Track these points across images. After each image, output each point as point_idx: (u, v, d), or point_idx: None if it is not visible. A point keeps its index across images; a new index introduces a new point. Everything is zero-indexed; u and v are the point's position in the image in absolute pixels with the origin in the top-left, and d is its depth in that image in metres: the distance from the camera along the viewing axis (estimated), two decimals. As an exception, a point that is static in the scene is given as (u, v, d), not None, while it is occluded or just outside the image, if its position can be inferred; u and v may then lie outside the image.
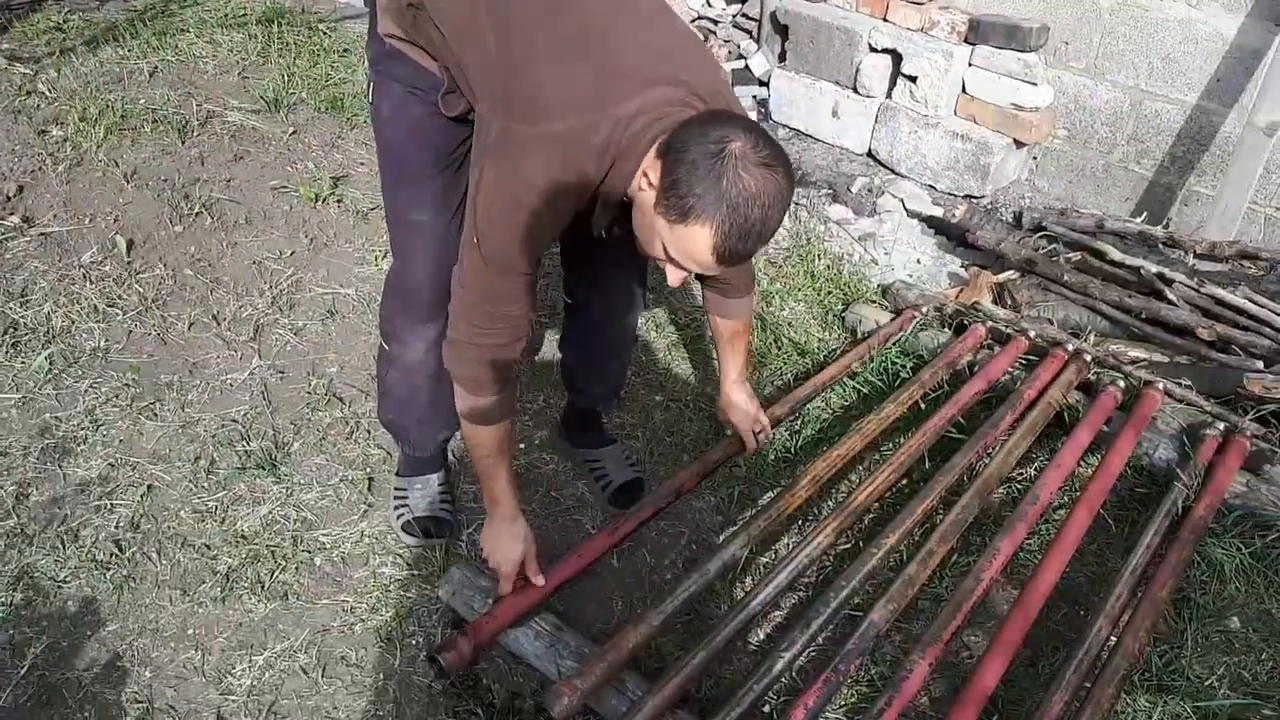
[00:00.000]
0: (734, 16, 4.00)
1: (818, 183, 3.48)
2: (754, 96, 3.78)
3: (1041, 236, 2.90)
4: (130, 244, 2.86)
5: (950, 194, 3.32)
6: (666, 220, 1.37)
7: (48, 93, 3.44)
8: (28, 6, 4.24)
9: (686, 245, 1.38)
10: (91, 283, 2.75)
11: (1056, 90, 3.22)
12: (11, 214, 2.86)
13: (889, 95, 3.44)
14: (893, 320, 2.76)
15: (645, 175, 1.41)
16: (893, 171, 3.46)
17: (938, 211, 3.24)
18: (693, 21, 4.05)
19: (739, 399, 2.06)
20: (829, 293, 3.05)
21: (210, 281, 2.85)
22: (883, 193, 3.36)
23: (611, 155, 1.43)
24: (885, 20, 3.40)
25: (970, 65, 3.24)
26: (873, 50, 3.40)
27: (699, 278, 1.67)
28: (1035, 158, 3.39)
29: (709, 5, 4.07)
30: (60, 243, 2.82)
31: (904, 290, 2.88)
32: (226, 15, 4.24)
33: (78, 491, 2.19)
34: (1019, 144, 3.26)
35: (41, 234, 2.82)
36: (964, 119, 3.31)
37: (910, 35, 3.31)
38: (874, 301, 2.97)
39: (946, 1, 3.33)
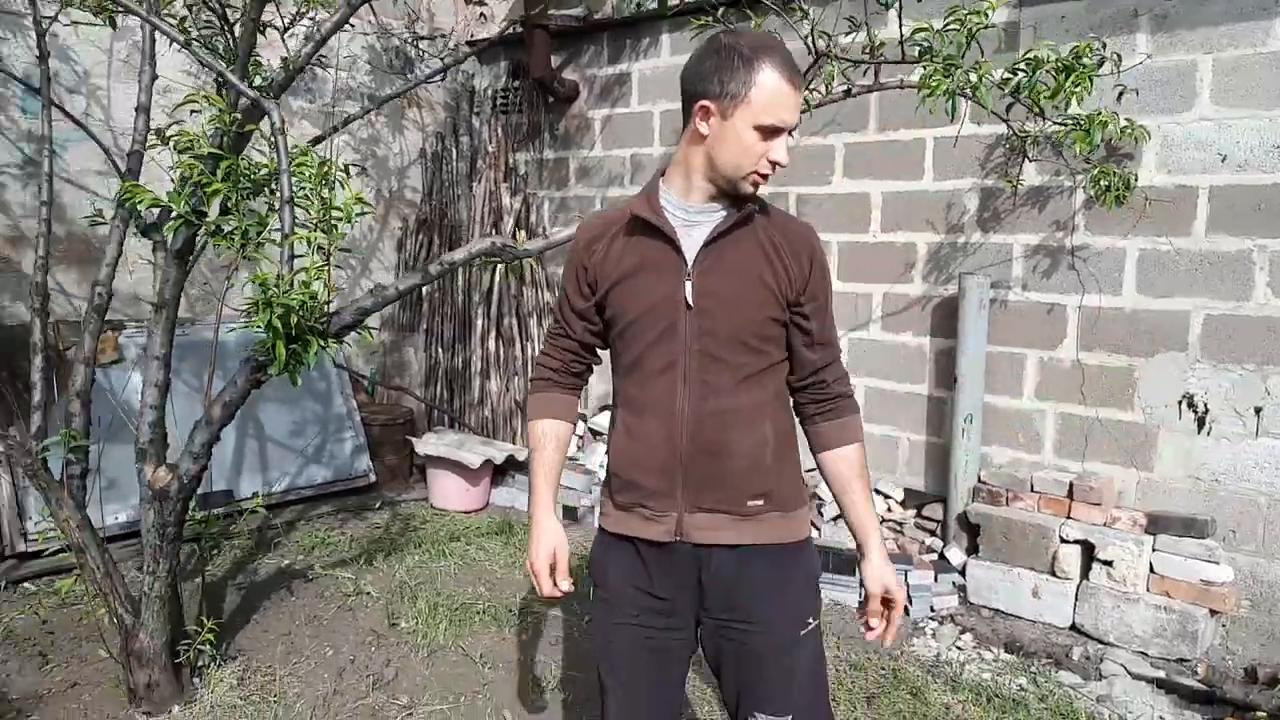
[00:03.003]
0: (914, 518, 4.79)
1: (1038, 654, 3.99)
2: (953, 583, 4.41)
3: (1281, 689, 3.39)
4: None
5: (1163, 658, 3.84)
6: (737, 101, 1.67)
7: (373, 593, 3.97)
8: (282, 526, 4.91)
9: (764, 96, 1.67)
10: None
11: (1233, 568, 3.90)
12: (395, 698, 3.23)
13: (1085, 577, 4.09)
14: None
15: (696, 123, 1.72)
16: (1101, 642, 4.00)
17: (1160, 674, 3.74)
18: (881, 523, 4.81)
19: (887, 569, 1.91)
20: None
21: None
22: (1102, 659, 3.87)
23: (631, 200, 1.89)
24: (1070, 518, 4.18)
25: (1155, 550, 3.96)
26: (1064, 542, 4.13)
27: (797, 387, 1.91)
28: (1224, 625, 3.98)
29: (890, 511, 4.87)
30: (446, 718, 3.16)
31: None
32: (467, 528, 4.93)
33: None
34: (1213, 613, 3.86)
35: (427, 712, 3.17)
36: (1158, 594, 3.94)
37: (1098, 529, 4.07)
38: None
39: (1118, 500, 4.14)
